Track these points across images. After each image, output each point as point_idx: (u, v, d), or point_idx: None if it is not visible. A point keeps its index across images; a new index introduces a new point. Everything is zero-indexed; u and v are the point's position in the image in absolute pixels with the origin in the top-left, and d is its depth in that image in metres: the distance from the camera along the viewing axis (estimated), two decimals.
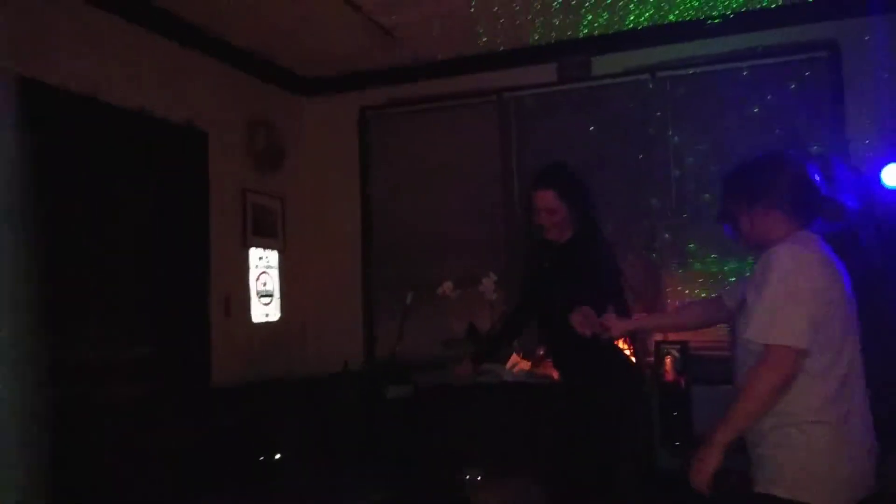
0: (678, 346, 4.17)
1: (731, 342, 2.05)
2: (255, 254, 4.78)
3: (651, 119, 4.56)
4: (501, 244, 4.85)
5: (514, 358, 4.26)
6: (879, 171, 3.18)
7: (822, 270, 1.86)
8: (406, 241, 5.11)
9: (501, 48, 4.71)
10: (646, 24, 4.43)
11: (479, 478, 3.47)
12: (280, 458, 3.99)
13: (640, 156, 4.56)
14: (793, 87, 4.27)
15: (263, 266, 4.86)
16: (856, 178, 2.90)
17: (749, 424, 1.88)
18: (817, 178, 1.97)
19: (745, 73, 4.37)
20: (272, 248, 4.93)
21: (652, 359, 4.25)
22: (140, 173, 4.15)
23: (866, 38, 4.02)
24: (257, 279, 4.78)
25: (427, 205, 5.07)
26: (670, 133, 4.53)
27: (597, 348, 2.94)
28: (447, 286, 4.58)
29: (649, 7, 4.21)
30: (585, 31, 4.52)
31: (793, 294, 1.81)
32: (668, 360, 4.15)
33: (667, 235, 4.50)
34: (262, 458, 3.93)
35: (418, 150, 5.14)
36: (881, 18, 3.98)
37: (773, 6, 4.18)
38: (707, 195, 4.41)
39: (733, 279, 4.34)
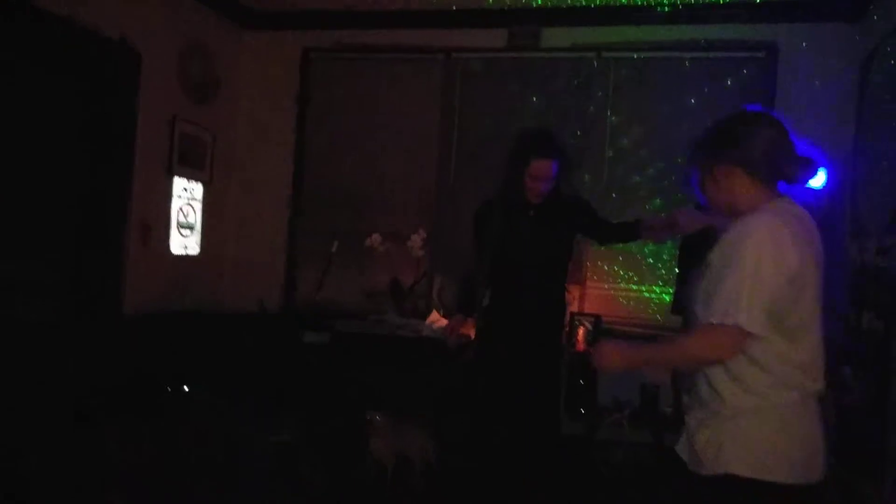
0: (592, 319, 4.32)
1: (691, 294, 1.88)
2: (179, 184, 4.63)
3: (592, 97, 4.64)
4: (433, 203, 4.87)
5: (434, 315, 4.32)
6: None
7: (799, 250, 1.68)
8: (337, 189, 5.06)
9: (454, 7, 4.67)
10: (598, 2, 4.48)
11: (378, 419, 3.53)
12: (188, 391, 3.92)
13: (579, 132, 4.65)
14: (729, 82, 4.43)
15: (187, 198, 4.71)
16: None
17: (660, 365, 1.95)
18: (790, 135, 1.79)
19: (686, 64, 4.50)
20: (197, 180, 4.79)
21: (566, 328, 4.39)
22: (65, 86, 3.93)
23: (804, 45, 4.20)
24: (179, 210, 4.64)
25: (362, 156, 5.02)
26: (609, 113, 4.63)
27: (556, 309, 3.26)
28: (375, 238, 4.58)
29: None
30: (539, 1, 4.54)
31: (761, 278, 1.65)
32: (580, 331, 4.30)
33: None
34: (169, 390, 3.86)
35: (359, 99, 5.06)
36: (819, 27, 4.17)
37: (721, 1, 4.30)
38: (637, 178, 4.55)
39: (651, 261, 4.52)
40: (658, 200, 4.53)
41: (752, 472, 1.70)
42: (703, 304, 1.74)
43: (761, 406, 1.72)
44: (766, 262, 1.66)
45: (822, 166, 3.34)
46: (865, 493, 3.23)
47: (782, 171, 1.77)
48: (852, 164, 3.88)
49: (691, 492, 1.84)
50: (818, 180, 3.34)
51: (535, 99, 4.75)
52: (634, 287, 4.55)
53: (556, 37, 4.66)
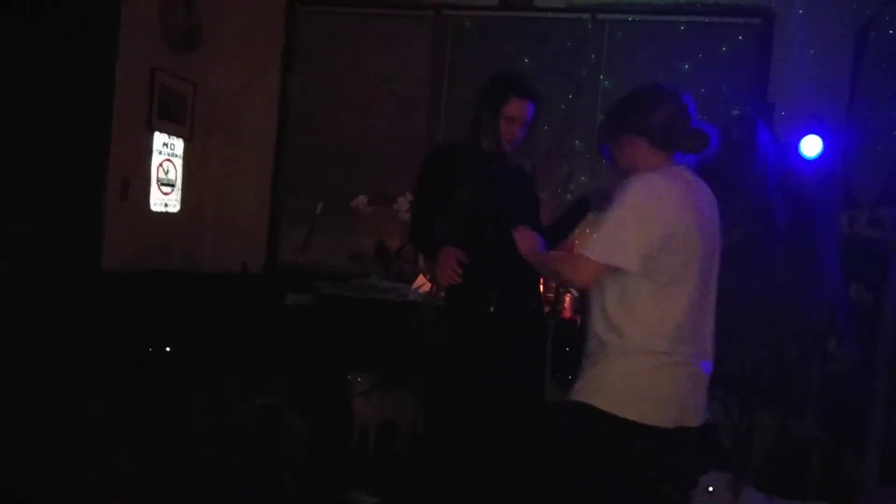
0: None
1: None
2: (159, 139, 4.49)
3: (585, 60, 4.55)
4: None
5: (421, 279, 4.27)
6: (796, 142, 3.32)
7: (676, 202, 1.87)
8: (323, 148, 4.95)
9: None
10: None
11: (360, 381, 3.49)
12: (169, 351, 3.85)
13: (570, 96, 4.57)
14: (724, 49, 4.37)
15: (167, 153, 4.58)
16: (776, 145, 3.01)
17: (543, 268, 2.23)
18: (690, 109, 1.98)
19: (682, 28, 4.43)
20: (178, 136, 4.65)
21: (551, 295, 4.36)
22: (40, 37, 3.76)
23: (800, 12, 4.14)
24: (159, 166, 4.51)
25: (349, 115, 4.90)
26: (601, 77, 4.55)
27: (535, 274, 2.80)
28: (361, 200, 4.49)
29: None
30: None
31: (633, 217, 1.86)
32: (567, 298, 4.27)
33: (583, 178, 4.57)
34: (150, 350, 3.78)
35: (346, 56, 4.92)
36: None
37: None
38: None
39: None
40: None
41: (608, 406, 1.89)
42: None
43: (631, 354, 1.90)
44: (641, 209, 1.85)
45: (818, 135, 3.31)
46: (849, 462, 3.27)
47: (678, 142, 1.95)
48: (845, 134, 3.86)
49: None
50: (813, 149, 3.30)
51: (527, 60, 4.65)
52: None
53: None
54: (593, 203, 2.79)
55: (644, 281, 1.87)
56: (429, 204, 2.80)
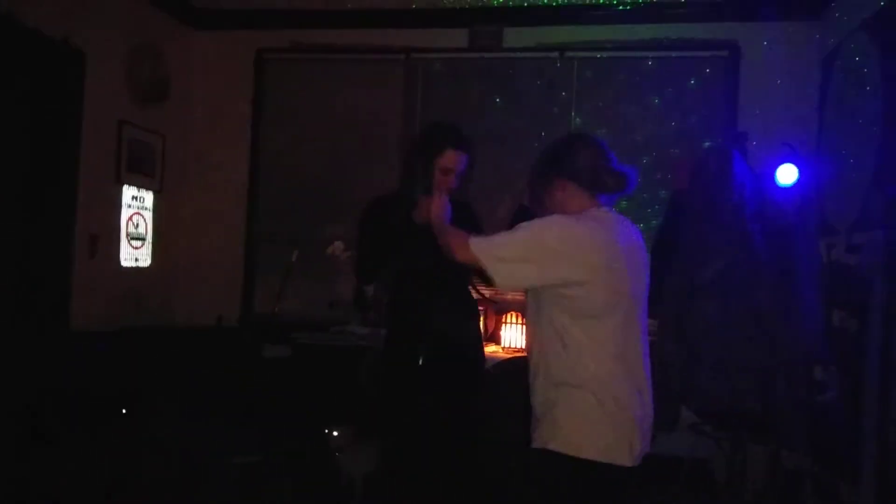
0: None
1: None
2: (128, 192, 4.40)
3: (556, 98, 4.57)
4: None
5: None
6: (769, 170, 3.32)
7: (591, 245, 1.96)
8: (296, 195, 4.89)
9: (413, 6, 4.56)
10: (561, 1, 4.42)
11: (339, 435, 3.38)
12: (144, 411, 3.71)
13: (543, 133, 4.57)
14: (692, 82, 4.41)
15: (137, 206, 4.49)
16: (751, 173, 3.01)
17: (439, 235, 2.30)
18: (609, 153, 2.13)
19: (649, 63, 4.47)
20: (148, 188, 4.57)
21: None
22: (3, 88, 3.69)
23: (765, 44, 4.20)
24: (129, 220, 4.42)
25: (321, 161, 4.87)
26: (573, 114, 4.57)
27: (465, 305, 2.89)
28: (337, 246, 4.41)
29: None
30: (500, 0, 4.45)
31: (530, 240, 1.98)
32: None
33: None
34: (123, 411, 3.64)
35: (317, 102, 4.90)
36: (781, 25, 4.18)
37: (682, 0, 4.29)
38: None
39: None
40: (623, 202, 4.47)
41: (564, 448, 1.95)
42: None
43: (576, 391, 1.96)
44: (551, 234, 1.95)
45: (792, 163, 3.32)
46: (842, 492, 3.21)
47: (602, 182, 2.07)
48: (817, 161, 3.89)
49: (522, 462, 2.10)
50: (789, 177, 3.31)
51: (498, 100, 4.67)
52: None
53: (519, 37, 4.58)
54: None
55: (575, 321, 1.97)
56: (367, 252, 2.84)
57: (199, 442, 3.54)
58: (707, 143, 4.30)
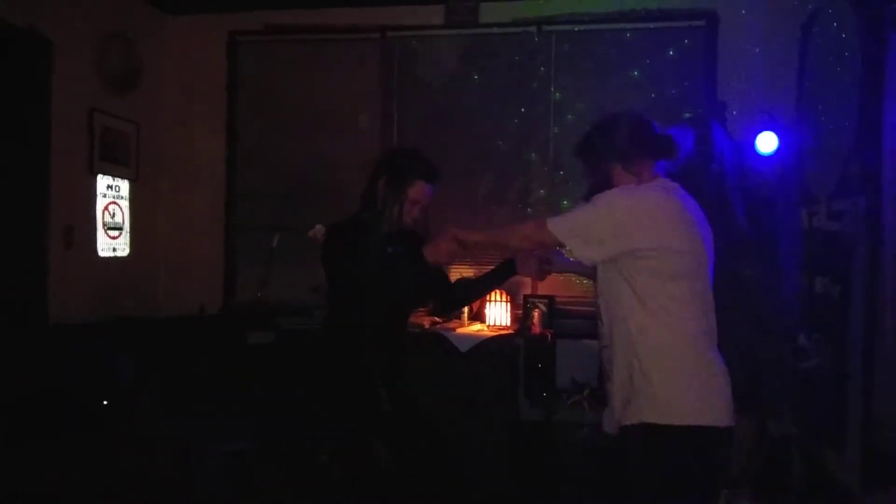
0: (546, 301, 4.23)
1: (595, 296, 2.19)
2: (102, 182, 4.33)
3: (535, 73, 4.52)
4: None
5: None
6: (751, 140, 3.30)
7: (658, 208, 1.99)
8: (275, 180, 4.83)
9: None
10: None
11: None
12: (126, 403, 3.67)
13: (522, 109, 4.53)
14: (671, 53, 4.37)
15: (113, 196, 4.42)
16: (731, 143, 2.99)
17: (482, 243, 2.39)
18: (651, 122, 2.16)
19: (627, 36, 4.42)
20: (123, 177, 4.49)
21: (520, 311, 4.30)
22: None
23: (743, 12, 4.16)
24: (105, 210, 4.35)
25: (299, 143, 4.80)
26: (552, 89, 4.52)
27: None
28: (318, 230, 4.31)
29: None
30: None
31: (603, 214, 1.99)
32: (535, 314, 4.20)
33: (542, 192, 4.52)
34: (105, 403, 3.60)
35: (292, 84, 4.83)
36: None
37: None
38: None
39: None
40: None
41: (657, 417, 1.93)
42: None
43: (669, 356, 1.96)
44: (618, 207, 1.97)
45: (772, 131, 3.29)
46: (828, 459, 3.22)
47: (656, 150, 2.10)
48: (797, 129, 3.86)
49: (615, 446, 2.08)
50: (769, 146, 3.29)
51: (476, 76, 4.61)
52: None
53: (495, 11, 4.52)
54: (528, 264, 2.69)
55: (663, 284, 1.96)
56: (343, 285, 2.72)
57: (185, 432, 3.50)
58: (687, 115, 4.26)
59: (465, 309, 4.24)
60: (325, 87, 4.77)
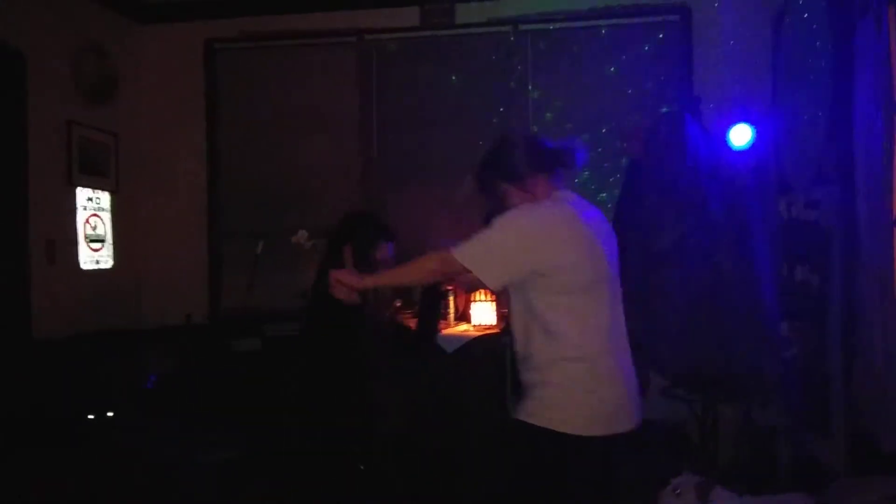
0: None
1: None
2: (82, 194, 4.31)
3: (512, 72, 4.54)
4: (358, 194, 4.69)
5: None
6: (725, 132, 3.33)
7: (554, 225, 2.02)
8: (257, 187, 4.83)
9: None
10: None
11: None
12: (112, 416, 3.66)
13: (501, 108, 4.54)
14: (646, 48, 4.40)
15: (93, 208, 4.40)
16: (705, 137, 3.01)
17: (390, 284, 2.36)
18: (539, 138, 2.20)
19: (603, 32, 4.44)
20: (103, 189, 4.47)
21: (506, 311, 4.31)
22: None
23: (715, 5, 4.19)
24: (86, 222, 4.33)
25: (279, 149, 4.79)
26: (530, 88, 4.53)
27: None
28: (302, 235, 4.34)
29: None
30: None
31: (503, 237, 2.00)
32: None
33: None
34: (91, 417, 3.59)
35: (270, 90, 4.83)
36: None
37: None
38: None
39: None
40: (586, 173, 4.47)
41: (549, 423, 2.00)
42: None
43: (563, 369, 2.00)
44: (513, 229, 1.99)
45: (747, 123, 3.32)
46: (816, 445, 3.26)
47: (549, 164, 2.12)
48: (772, 120, 3.90)
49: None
50: (743, 138, 3.32)
51: (453, 78, 4.62)
52: None
53: (471, 12, 4.53)
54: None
55: (558, 301, 2.00)
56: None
57: (173, 442, 3.49)
58: (664, 109, 4.29)
59: (451, 309, 4.25)
60: (304, 91, 4.77)
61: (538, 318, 2.03)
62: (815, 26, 3.43)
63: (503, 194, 2.13)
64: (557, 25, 4.48)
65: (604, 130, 4.43)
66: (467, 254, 2.01)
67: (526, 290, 2.05)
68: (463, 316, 4.39)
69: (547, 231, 1.99)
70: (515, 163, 2.12)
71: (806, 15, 3.57)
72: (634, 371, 2.13)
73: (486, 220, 2.15)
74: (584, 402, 2.01)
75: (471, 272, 2.00)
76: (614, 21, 4.41)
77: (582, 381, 2.00)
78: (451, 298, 4.20)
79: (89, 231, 4.35)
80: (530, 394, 2.09)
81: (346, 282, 2.15)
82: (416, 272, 2.17)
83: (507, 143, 2.19)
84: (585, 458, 2.02)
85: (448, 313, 4.29)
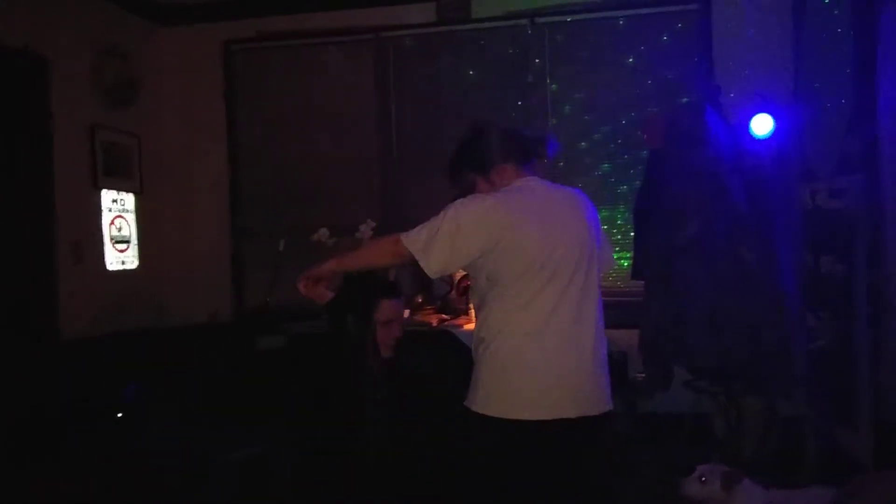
0: None
1: None
2: (107, 196, 4.37)
3: (530, 66, 4.52)
4: (378, 191, 4.70)
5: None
6: (746, 122, 3.29)
7: (496, 212, 1.98)
8: (278, 185, 4.86)
9: None
10: None
11: None
12: (140, 414, 3.72)
13: (519, 102, 4.53)
14: (665, 38, 4.36)
15: (118, 209, 4.46)
16: (727, 127, 2.99)
17: (346, 268, 2.26)
18: (514, 128, 2.18)
19: (621, 23, 4.41)
20: (128, 191, 4.54)
21: None
22: None
23: None
24: (111, 224, 4.39)
25: (300, 148, 4.83)
26: (548, 81, 4.52)
27: None
28: (323, 233, 4.39)
29: None
30: None
31: (446, 224, 1.97)
32: None
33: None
34: (119, 415, 3.65)
35: (289, 89, 4.85)
36: None
37: None
38: (583, 143, 4.46)
39: (605, 227, 4.43)
40: (606, 165, 4.46)
41: (479, 407, 1.98)
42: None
43: (490, 352, 1.98)
44: (458, 216, 1.97)
45: (768, 113, 3.28)
46: (842, 438, 3.22)
47: (517, 153, 2.09)
48: (795, 109, 3.85)
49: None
50: (764, 128, 3.28)
51: (471, 72, 4.62)
52: None
53: (487, 6, 4.51)
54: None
55: (493, 285, 1.99)
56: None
57: (198, 441, 3.54)
58: (684, 100, 4.26)
59: (472, 305, 4.25)
60: (322, 89, 4.79)
61: (481, 301, 2.04)
62: (837, 13, 3.39)
63: (471, 184, 2.13)
64: (575, 17, 4.45)
65: (623, 122, 4.41)
66: (412, 239, 2.01)
67: (474, 274, 2.06)
68: None
69: (490, 216, 1.97)
70: (485, 152, 2.11)
71: (828, 2, 3.53)
72: (602, 356, 2.08)
73: None
74: (503, 386, 1.97)
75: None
76: (632, 11, 4.38)
77: (499, 368, 1.97)
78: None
79: (115, 232, 4.41)
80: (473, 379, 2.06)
81: (306, 275, 2.21)
82: (372, 255, 2.21)
83: (479, 133, 2.17)
84: (519, 443, 1.97)
85: (470, 308, 4.30)
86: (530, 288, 1.97)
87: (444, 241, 1.97)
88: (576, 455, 2.02)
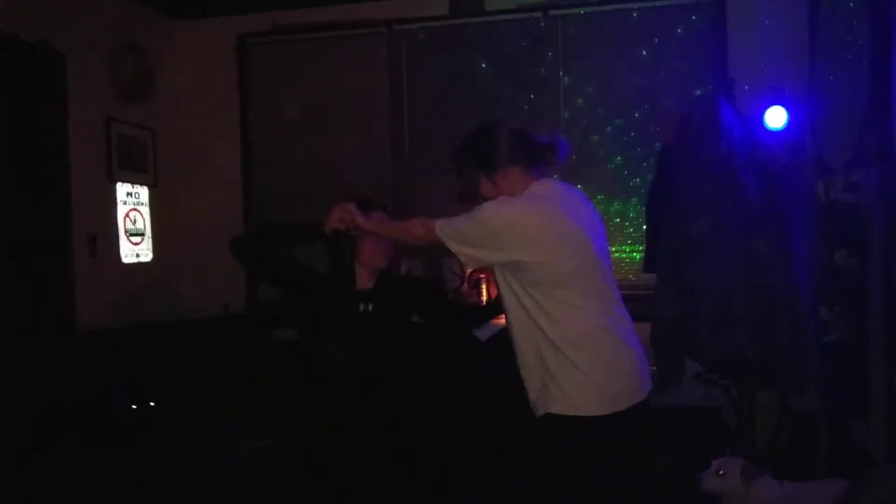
0: None
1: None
2: (122, 189, 4.41)
3: (542, 59, 4.51)
4: (391, 186, 4.71)
5: None
6: (761, 115, 3.28)
7: (532, 220, 2.01)
8: (291, 179, 4.88)
9: None
10: None
11: None
12: (154, 406, 3.75)
13: (532, 95, 4.53)
14: (679, 31, 4.34)
15: (133, 203, 4.50)
16: (740, 120, 2.97)
17: (372, 233, 2.40)
18: (528, 130, 2.19)
19: (634, 15, 4.39)
20: (142, 184, 4.57)
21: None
22: None
23: None
24: (126, 217, 4.43)
25: (313, 141, 4.84)
26: (561, 74, 4.51)
27: None
28: None
29: None
30: None
31: (482, 226, 2.02)
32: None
33: (555, 176, 4.51)
34: (134, 407, 3.69)
35: (303, 82, 4.87)
36: None
37: None
38: (595, 137, 4.46)
39: (618, 220, 4.44)
40: (619, 158, 4.45)
41: (568, 409, 1.99)
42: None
43: (570, 354, 1.99)
44: (495, 222, 2.00)
45: (782, 105, 3.26)
46: (856, 432, 3.22)
47: (532, 157, 2.12)
48: (810, 101, 3.83)
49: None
50: (778, 120, 3.27)
51: (483, 65, 4.62)
52: None
53: None
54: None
55: (549, 291, 2.01)
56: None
57: (212, 431, 3.57)
58: (698, 93, 4.24)
59: (484, 297, 4.26)
60: (335, 82, 4.80)
61: (538, 308, 2.03)
62: (852, 5, 3.35)
63: (474, 182, 2.15)
64: (588, 10, 4.44)
65: (636, 115, 4.40)
66: (447, 231, 2.06)
67: (513, 280, 2.06)
68: (497, 303, 4.40)
69: (529, 227, 2.00)
70: (492, 152, 2.13)
71: None
72: (638, 341, 2.14)
73: (460, 200, 2.19)
74: (591, 386, 2.01)
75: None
76: (646, 3, 4.35)
77: (585, 369, 1.99)
78: (484, 287, 4.21)
79: (129, 225, 4.45)
80: (544, 387, 2.05)
81: (350, 214, 2.35)
82: (402, 231, 2.27)
83: (488, 131, 2.19)
84: (603, 439, 2.02)
85: (481, 301, 4.31)
86: (587, 287, 2.03)
87: (482, 240, 2.02)
88: (637, 439, 2.13)
